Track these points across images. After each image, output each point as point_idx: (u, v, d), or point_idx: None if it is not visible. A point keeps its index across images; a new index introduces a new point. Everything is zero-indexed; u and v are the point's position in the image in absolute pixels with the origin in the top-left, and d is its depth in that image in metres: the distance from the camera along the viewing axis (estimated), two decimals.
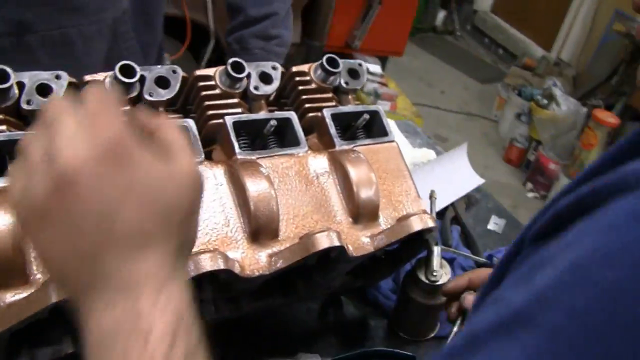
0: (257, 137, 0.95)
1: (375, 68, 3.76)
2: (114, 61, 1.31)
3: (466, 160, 1.47)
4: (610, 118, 3.48)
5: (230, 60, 0.94)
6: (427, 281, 1.02)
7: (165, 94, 0.89)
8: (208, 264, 0.77)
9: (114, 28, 1.29)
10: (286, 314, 1.10)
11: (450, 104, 4.72)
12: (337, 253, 0.88)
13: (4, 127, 0.80)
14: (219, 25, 3.06)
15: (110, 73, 0.88)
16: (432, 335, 1.11)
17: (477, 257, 1.23)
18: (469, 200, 1.44)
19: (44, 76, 0.83)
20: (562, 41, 4.89)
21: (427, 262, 1.03)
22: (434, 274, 1.01)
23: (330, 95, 1.05)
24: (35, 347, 0.85)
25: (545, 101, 3.98)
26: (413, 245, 1.02)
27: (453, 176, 1.39)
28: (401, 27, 4.00)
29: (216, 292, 0.88)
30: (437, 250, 1.03)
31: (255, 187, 0.84)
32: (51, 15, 1.16)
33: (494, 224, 1.42)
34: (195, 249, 0.74)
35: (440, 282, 1.01)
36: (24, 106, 0.81)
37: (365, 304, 1.14)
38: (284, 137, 0.97)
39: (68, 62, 1.22)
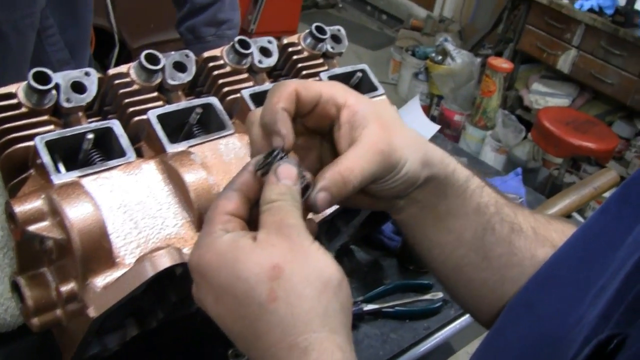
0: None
1: None
2: (41, 58, 1.30)
3: (421, 110, 1.59)
4: (504, 64, 3.73)
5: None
6: None
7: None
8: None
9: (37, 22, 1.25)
10: None
11: None
12: None
13: (52, 127, 0.83)
14: (123, 28, 3.02)
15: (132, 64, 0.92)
16: None
17: None
18: None
19: (75, 74, 0.86)
20: None
21: None
22: None
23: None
24: (102, 334, 0.89)
25: (439, 57, 4.20)
26: None
27: (414, 127, 1.50)
28: (292, 4, 4.11)
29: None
30: None
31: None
32: None
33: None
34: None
35: None
36: (65, 104, 0.84)
37: (373, 248, 1.24)
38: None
39: (2, 58, 1.22)
